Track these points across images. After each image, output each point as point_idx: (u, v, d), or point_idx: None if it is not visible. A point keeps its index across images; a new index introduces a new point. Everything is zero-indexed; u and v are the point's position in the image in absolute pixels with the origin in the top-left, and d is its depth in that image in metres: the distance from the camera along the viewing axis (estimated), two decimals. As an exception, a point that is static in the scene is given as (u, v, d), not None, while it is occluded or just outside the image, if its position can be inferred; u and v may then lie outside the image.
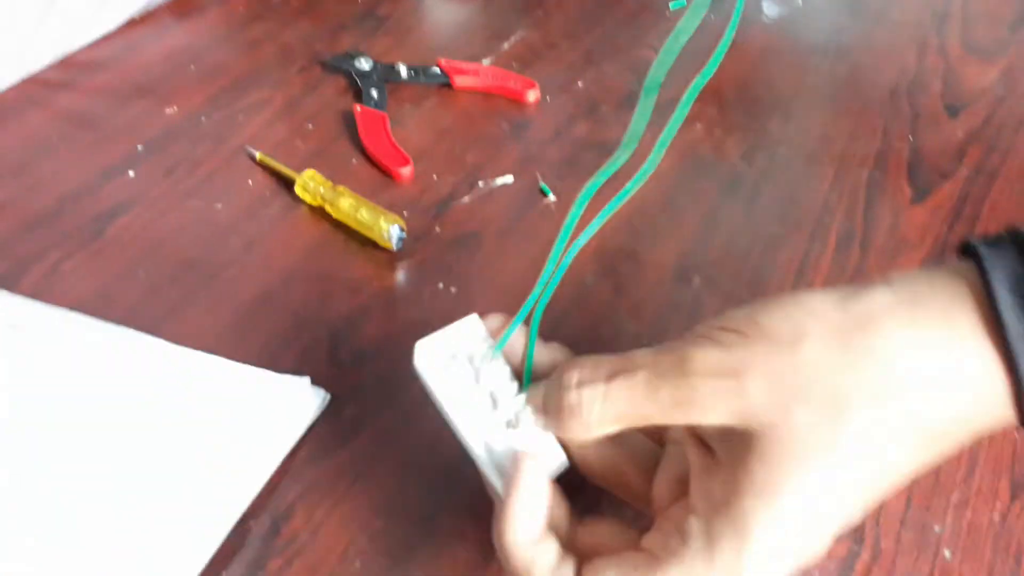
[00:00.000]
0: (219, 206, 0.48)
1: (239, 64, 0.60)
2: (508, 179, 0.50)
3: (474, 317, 0.32)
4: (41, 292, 0.43)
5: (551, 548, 0.28)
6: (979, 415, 0.25)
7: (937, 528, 0.34)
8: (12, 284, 0.44)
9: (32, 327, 0.40)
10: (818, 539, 0.26)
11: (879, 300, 0.26)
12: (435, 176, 0.50)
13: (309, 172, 0.48)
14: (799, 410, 0.25)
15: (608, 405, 0.28)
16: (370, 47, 0.61)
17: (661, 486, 0.30)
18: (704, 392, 0.26)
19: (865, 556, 0.33)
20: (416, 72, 0.57)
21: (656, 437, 0.32)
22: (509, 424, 0.30)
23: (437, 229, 0.47)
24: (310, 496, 0.35)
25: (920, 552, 0.33)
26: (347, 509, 0.34)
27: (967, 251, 0.27)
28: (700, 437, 0.28)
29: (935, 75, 0.58)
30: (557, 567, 0.27)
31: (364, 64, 0.57)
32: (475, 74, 0.57)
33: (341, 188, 0.47)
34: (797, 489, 0.25)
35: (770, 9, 0.65)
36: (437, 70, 0.57)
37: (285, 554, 0.33)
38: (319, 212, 0.48)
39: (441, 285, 0.44)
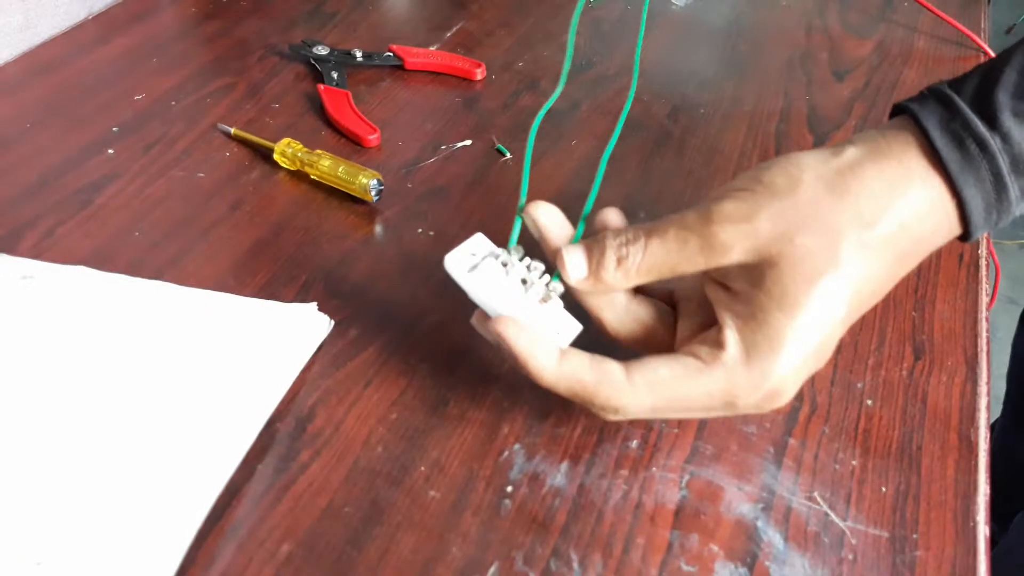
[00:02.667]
0: (201, 175, 0.52)
1: (199, 56, 0.63)
2: (467, 142, 0.56)
3: (480, 235, 0.37)
4: (40, 254, 0.46)
5: (582, 359, 0.33)
6: (934, 234, 0.33)
7: (859, 384, 0.41)
8: (10, 249, 0.46)
9: (46, 277, 0.43)
10: (831, 342, 0.33)
11: (850, 155, 0.33)
12: (400, 143, 0.55)
13: (286, 140, 0.52)
14: (801, 238, 0.31)
15: (647, 257, 0.34)
16: (322, 39, 0.66)
17: (684, 333, 0.36)
18: (724, 237, 0.32)
19: (805, 409, 0.39)
20: (370, 56, 0.62)
21: (667, 300, 0.38)
22: (542, 300, 0.35)
23: (409, 185, 0.52)
24: (328, 400, 0.39)
25: (848, 403, 0.40)
26: (364, 407, 0.39)
27: (897, 112, 0.34)
28: (719, 281, 0.34)
29: (822, 49, 0.67)
30: (600, 367, 0.33)
31: (321, 50, 0.62)
32: (425, 56, 0.62)
33: (319, 151, 0.51)
34: (811, 300, 0.31)
35: (679, 0, 0.74)
36: (390, 54, 0.62)
37: (314, 446, 0.37)
38: (297, 176, 0.52)
39: (420, 230, 0.49)
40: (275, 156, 0.52)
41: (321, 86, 0.59)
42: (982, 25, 0.71)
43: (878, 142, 0.33)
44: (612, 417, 0.34)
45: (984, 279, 0.46)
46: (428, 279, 0.45)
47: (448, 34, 0.67)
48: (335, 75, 0.60)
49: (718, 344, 0.33)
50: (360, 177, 0.49)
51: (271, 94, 0.60)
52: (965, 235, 0.33)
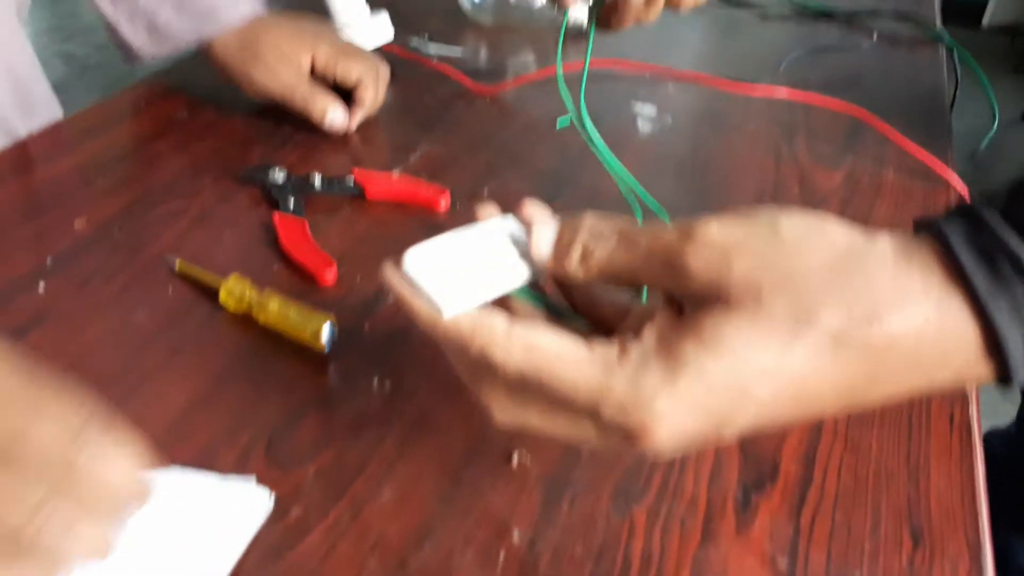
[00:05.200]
0: (139, 317, 0.48)
1: (149, 177, 0.60)
2: (429, 280, 0.52)
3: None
4: (-54, 411, 0.41)
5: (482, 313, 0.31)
6: (940, 364, 0.28)
7: (857, 574, 0.37)
8: (-88, 405, 0.41)
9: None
10: (735, 420, 0.29)
11: (879, 247, 0.29)
12: (358, 278, 0.52)
13: (234, 278, 0.48)
14: (770, 299, 0.28)
15: (611, 260, 0.31)
16: (280, 160, 0.63)
17: (632, 321, 0.33)
18: (694, 265, 0.29)
19: (799, 605, 0.36)
20: (330, 184, 0.59)
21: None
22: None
23: (366, 328, 0.48)
24: (264, 599, 0.34)
25: (844, 596, 0.36)
26: (304, 608, 0.34)
27: (920, 228, 0.30)
28: (674, 296, 0.31)
29: (792, 179, 0.66)
30: (483, 315, 0.30)
31: (278, 175, 0.59)
32: (387, 184, 0.60)
33: (268, 291, 0.48)
34: (735, 354, 0.28)
35: (643, 126, 0.73)
36: (350, 181, 0.60)
37: (243, 661, 0.32)
38: (244, 317, 0.48)
39: (376, 381, 0.45)
40: (221, 298, 0.48)
41: (276, 214, 0.55)
42: (948, 155, 0.71)
43: (910, 248, 0.29)
44: (484, 388, 0.31)
45: (978, 443, 0.43)
46: (381, 442, 0.41)
47: (412, 156, 0.65)
48: (292, 202, 0.57)
49: (621, 347, 0.29)
50: (311, 323, 0.45)
51: (222, 221, 0.56)
52: (1004, 375, 0.28)
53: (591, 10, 0.52)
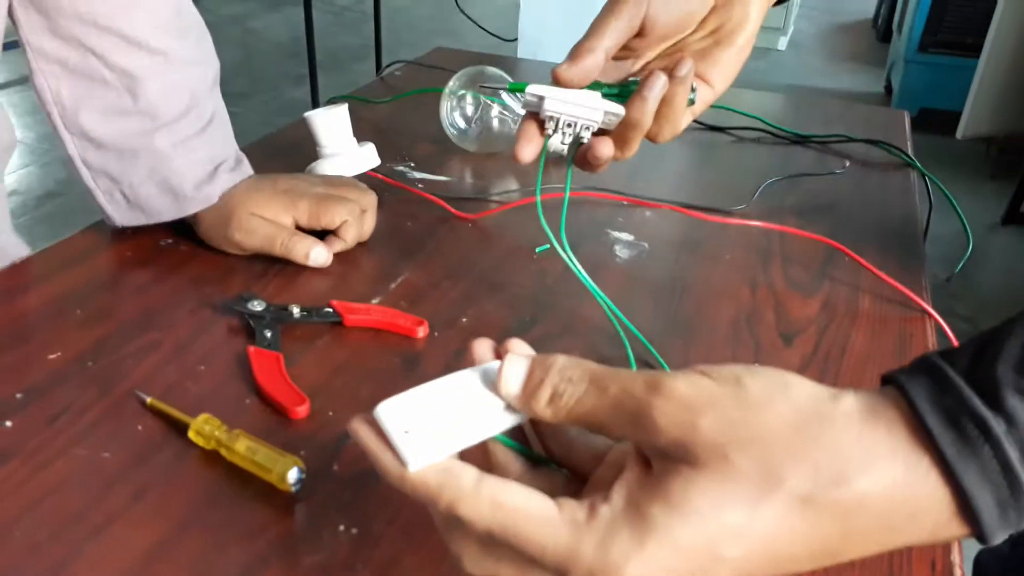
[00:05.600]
0: (107, 454, 0.47)
1: (127, 307, 0.61)
2: (403, 414, 0.52)
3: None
4: (-103, 561, 0.40)
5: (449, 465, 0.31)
6: (912, 524, 0.28)
7: None
8: None
9: None
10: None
11: (845, 405, 0.29)
12: (331, 412, 0.52)
13: (203, 416, 0.48)
14: (736, 458, 0.28)
15: (579, 405, 0.31)
16: (261, 289, 0.64)
17: (605, 471, 0.33)
18: (660, 420, 0.29)
19: None
20: (308, 312, 0.60)
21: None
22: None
23: (335, 467, 0.48)
24: None
25: None
26: None
27: (887, 381, 0.30)
28: (644, 454, 0.31)
29: (767, 307, 0.67)
30: (451, 469, 0.30)
31: (257, 306, 0.59)
32: (366, 313, 0.60)
33: (237, 431, 0.47)
34: (703, 516, 0.28)
35: (622, 252, 0.74)
36: (329, 310, 0.60)
37: None
38: (213, 455, 0.48)
39: (342, 527, 0.44)
40: (190, 434, 0.48)
41: (251, 348, 0.56)
42: (923, 283, 0.72)
43: (877, 407, 0.29)
44: (455, 540, 0.31)
45: (959, 594, 0.42)
46: (347, 594, 0.40)
47: (392, 285, 0.66)
48: (268, 334, 0.57)
49: (591, 509, 0.29)
50: (277, 467, 0.45)
51: (197, 354, 0.56)
52: (979, 536, 0.28)
53: (569, 148, 0.53)
